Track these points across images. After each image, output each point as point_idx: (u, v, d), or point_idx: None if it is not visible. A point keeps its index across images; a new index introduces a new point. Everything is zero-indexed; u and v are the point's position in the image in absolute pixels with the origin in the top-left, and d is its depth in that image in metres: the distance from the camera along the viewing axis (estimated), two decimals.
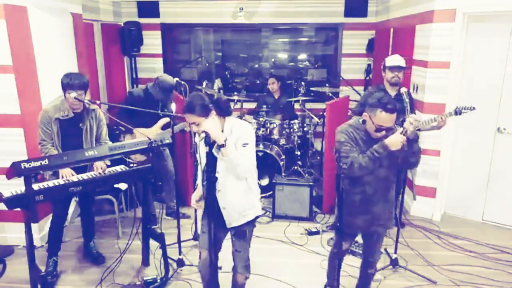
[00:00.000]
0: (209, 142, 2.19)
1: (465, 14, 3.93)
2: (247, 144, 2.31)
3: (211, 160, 2.33)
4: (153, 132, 3.88)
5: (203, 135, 2.18)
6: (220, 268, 3.10)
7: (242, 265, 2.59)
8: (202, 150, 2.35)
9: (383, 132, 2.41)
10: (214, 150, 2.24)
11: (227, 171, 2.33)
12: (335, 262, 2.75)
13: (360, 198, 2.55)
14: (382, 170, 2.49)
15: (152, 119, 3.88)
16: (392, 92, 3.65)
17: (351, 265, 3.32)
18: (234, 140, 2.31)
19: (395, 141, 2.35)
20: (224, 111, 2.36)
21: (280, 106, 5.53)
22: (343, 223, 2.55)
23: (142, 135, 3.21)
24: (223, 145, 2.19)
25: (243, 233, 2.52)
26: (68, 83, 3.03)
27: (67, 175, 3.01)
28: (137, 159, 3.89)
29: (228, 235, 2.61)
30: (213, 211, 2.34)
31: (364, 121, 2.46)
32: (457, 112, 3.37)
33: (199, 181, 2.60)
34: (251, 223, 2.55)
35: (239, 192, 2.42)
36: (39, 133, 3.13)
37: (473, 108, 3.35)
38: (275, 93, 5.63)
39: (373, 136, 2.46)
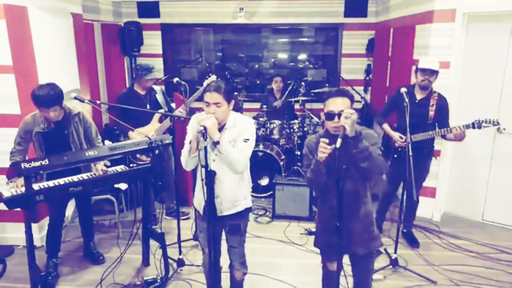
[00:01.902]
0: (206, 137, 2.21)
1: (465, 14, 3.93)
2: (248, 139, 2.39)
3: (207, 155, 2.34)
4: (152, 130, 3.89)
5: (201, 128, 2.20)
6: (221, 268, 3.09)
7: (239, 262, 2.60)
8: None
9: (336, 119, 2.18)
10: (209, 146, 2.26)
11: (222, 163, 2.37)
12: (327, 285, 2.63)
13: (330, 213, 2.32)
14: (348, 183, 2.25)
15: (146, 118, 3.89)
16: (420, 95, 3.54)
17: (347, 264, 3.31)
18: (237, 133, 2.38)
19: (319, 150, 2.14)
20: (235, 105, 2.49)
21: (281, 106, 5.53)
22: (319, 240, 2.51)
23: (141, 135, 3.19)
24: (218, 142, 2.25)
25: (237, 228, 2.54)
26: (37, 102, 2.84)
27: (99, 169, 3.08)
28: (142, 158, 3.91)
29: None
30: (210, 205, 2.34)
31: (323, 122, 2.33)
32: (475, 125, 3.20)
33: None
34: (244, 216, 2.56)
35: (234, 182, 2.45)
36: (15, 140, 3.04)
37: (497, 122, 3.16)
38: (277, 93, 5.63)
39: (331, 132, 2.25)
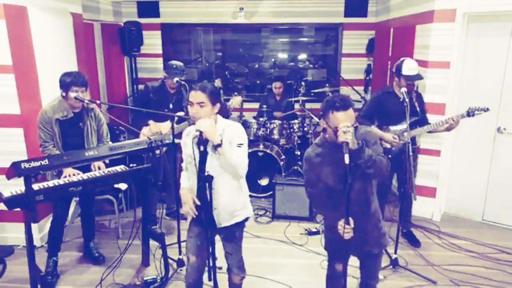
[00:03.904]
0: (203, 141, 2.14)
1: (465, 14, 3.93)
2: (241, 144, 2.31)
3: (204, 160, 2.29)
4: (167, 128, 3.94)
5: (196, 133, 2.14)
6: (220, 268, 3.10)
7: (236, 266, 2.54)
8: (188, 150, 2.35)
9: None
10: (209, 150, 2.19)
11: (220, 170, 2.28)
12: (332, 285, 2.63)
13: (341, 213, 2.23)
14: (357, 182, 2.25)
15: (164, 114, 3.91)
16: (401, 94, 3.58)
17: (351, 264, 3.32)
18: (228, 140, 2.30)
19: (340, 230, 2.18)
20: (222, 110, 2.39)
21: (281, 107, 5.54)
22: (331, 245, 2.47)
23: (156, 127, 3.54)
24: (219, 145, 2.17)
25: (232, 235, 2.47)
26: (72, 81, 3.03)
27: (70, 174, 3.01)
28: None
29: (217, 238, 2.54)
30: (206, 212, 2.31)
31: (324, 130, 2.28)
32: (470, 113, 3.34)
33: (184, 184, 2.48)
34: (241, 224, 2.49)
35: (231, 192, 2.38)
36: (39, 135, 3.11)
37: (487, 109, 3.31)
38: (278, 96, 5.64)
39: (338, 142, 2.16)
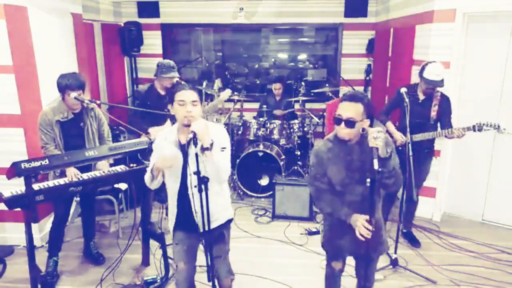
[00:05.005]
0: (196, 143, 2.08)
1: (465, 14, 3.93)
2: (225, 148, 2.25)
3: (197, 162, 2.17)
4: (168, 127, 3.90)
5: (190, 135, 2.07)
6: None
7: (225, 270, 2.50)
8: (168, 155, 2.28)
9: (342, 126, 2.13)
10: (198, 152, 2.11)
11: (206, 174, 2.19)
12: (330, 283, 2.64)
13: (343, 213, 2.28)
14: (365, 188, 2.20)
15: (163, 116, 3.87)
16: (423, 95, 3.58)
17: (351, 264, 3.32)
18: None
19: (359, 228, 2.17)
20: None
21: (281, 107, 5.55)
22: (329, 244, 2.46)
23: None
24: (207, 148, 2.09)
25: (221, 236, 2.42)
26: (67, 84, 3.01)
27: (73, 176, 2.99)
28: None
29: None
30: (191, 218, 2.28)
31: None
32: (476, 128, 3.24)
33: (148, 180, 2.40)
34: (227, 226, 2.45)
35: (212, 195, 2.24)
36: (41, 137, 3.10)
37: (498, 126, 3.21)
38: (277, 96, 5.64)
39: (340, 136, 2.20)
